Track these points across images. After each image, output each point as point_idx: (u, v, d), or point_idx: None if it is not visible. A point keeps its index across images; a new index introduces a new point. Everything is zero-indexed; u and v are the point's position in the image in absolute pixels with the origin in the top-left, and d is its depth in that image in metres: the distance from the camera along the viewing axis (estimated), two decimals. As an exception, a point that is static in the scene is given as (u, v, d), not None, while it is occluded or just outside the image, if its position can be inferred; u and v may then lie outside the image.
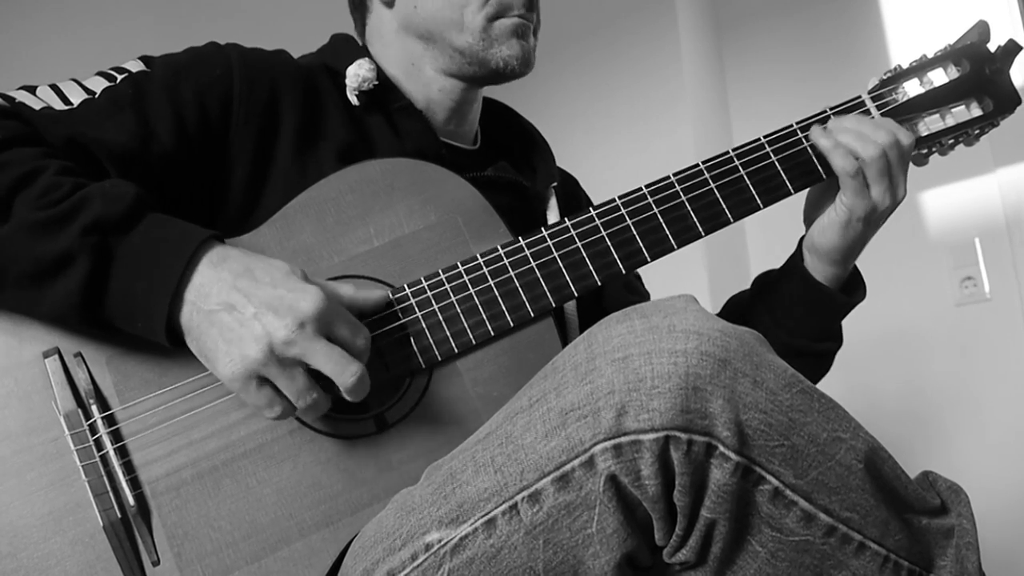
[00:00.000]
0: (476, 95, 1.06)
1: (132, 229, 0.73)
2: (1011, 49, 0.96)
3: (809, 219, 1.01)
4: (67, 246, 0.71)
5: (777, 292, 1.04)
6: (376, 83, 0.97)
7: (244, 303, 0.71)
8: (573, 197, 1.17)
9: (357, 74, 0.96)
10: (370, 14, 1.07)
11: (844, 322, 1.05)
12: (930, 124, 0.97)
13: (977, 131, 0.98)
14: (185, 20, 2.45)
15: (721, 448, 0.62)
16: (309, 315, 0.70)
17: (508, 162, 1.08)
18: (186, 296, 0.72)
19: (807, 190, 0.99)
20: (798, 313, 1.01)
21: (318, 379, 0.73)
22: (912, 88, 0.97)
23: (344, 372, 0.71)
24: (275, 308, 0.70)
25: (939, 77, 0.97)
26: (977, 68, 0.96)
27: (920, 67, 0.97)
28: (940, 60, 0.97)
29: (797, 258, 1.02)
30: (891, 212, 0.96)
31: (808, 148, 0.94)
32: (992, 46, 0.97)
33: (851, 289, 1.03)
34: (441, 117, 1.04)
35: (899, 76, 0.98)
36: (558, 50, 2.51)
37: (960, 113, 0.97)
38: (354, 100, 0.97)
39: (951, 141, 0.98)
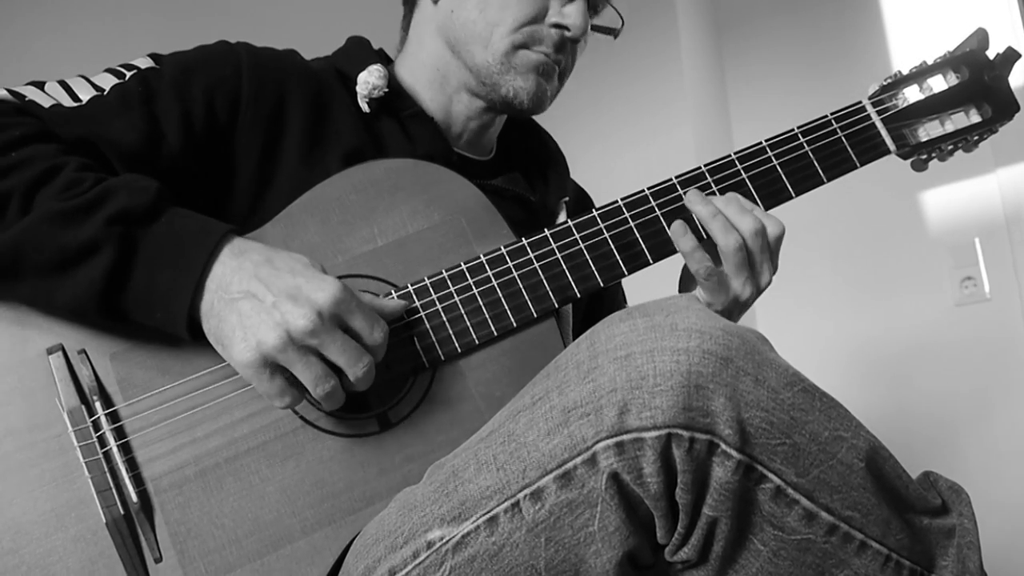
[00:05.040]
0: (495, 120, 1.05)
1: (155, 221, 0.75)
2: (1010, 56, 0.97)
3: (683, 290, 0.99)
4: (92, 235, 0.72)
5: None
6: (386, 91, 0.97)
7: (264, 291, 0.72)
8: (585, 213, 1.17)
9: (367, 81, 0.96)
10: (417, 8, 1.06)
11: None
12: (930, 130, 0.98)
13: (976, 137, 0.99)
14: (188, 18, 2.45)
15: (723, 446, 0.63)
16: (327, 305, 0.71)
17: (522, 173, 1.08)
18: (208, 285, 0.73)
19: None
20: None
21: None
22: (912, 94, 0.98)
23: (356, 364, 0.73)
24: (294, 297, 0.71)
25: (939, 83, 0.98)
26: (976, 75, 0.97)
27: (920, 73, 0.98)
28: (940, 67, 0.98)
29: None
30: (756, 298, 0.93)
31: (809, 152, 0.94)
32: (991, 53, 0.98)
33: None
34: (456, 131, 1.04)
35: (899, 82, 0.98)
36: (559, 50, 2.51)
37: (959, 119, 0.98)
38: (364, 107, 0.97)
39: (950, 147, 0.99)
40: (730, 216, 0.88)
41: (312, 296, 0.71)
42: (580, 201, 1.18)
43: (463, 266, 0.86)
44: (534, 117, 1.17)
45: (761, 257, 0.89)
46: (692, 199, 0.90)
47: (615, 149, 2.40)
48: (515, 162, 1.12)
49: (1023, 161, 1.98)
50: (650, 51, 2.41)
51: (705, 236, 0.89)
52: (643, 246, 0.89)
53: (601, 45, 2.47)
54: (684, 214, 0.90)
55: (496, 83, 0.98)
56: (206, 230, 0.75)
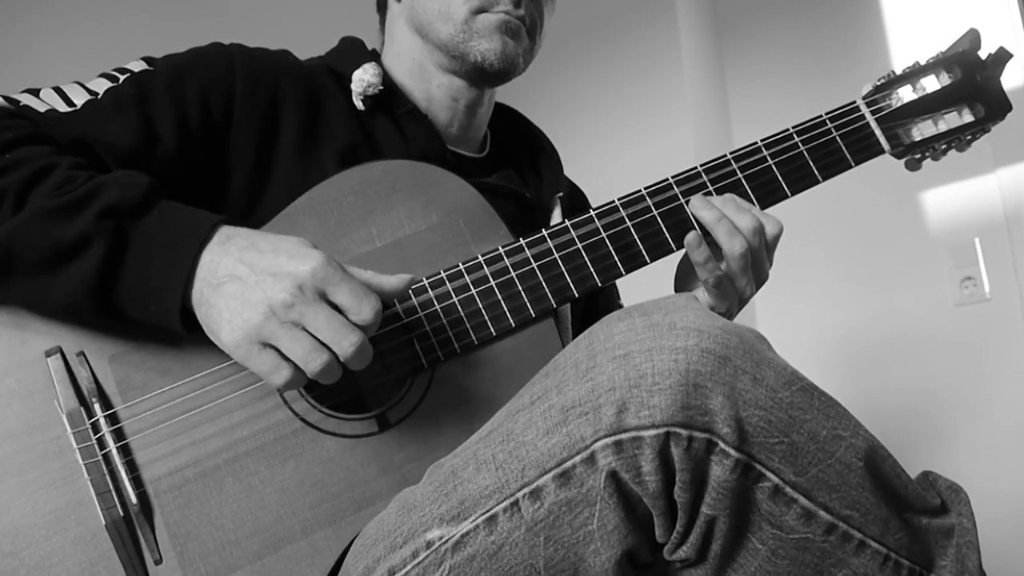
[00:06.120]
0: (478, 98, 1.05)
1: (146, 214, 0.75)
2: (1001, 56, 0.98)
3: (679, 289, 1.00)
4: (84, 229, 0.72)
5: None
6: (381, 88, 0.97)
7: (247, 273, 0.71)
8: (579, 209, 1.17)
9: (362, 79, 0.96)
10: (387, 10, 1.09)
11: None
12: (923, 129, 0.98)
13: (969, 137, 0.99)
14: (186, 20, 2.45)
15: (721, 445, 0.63)
16: (307, 278, 0.70)
17: (515, 170, 1.08)
18: (198, 274, 0.73)
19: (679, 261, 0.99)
20: None
21: None
22: (906, 94, 0.98)
23: (343, 341, 0.69)
24: (274, 273, 0.70)
25: (931, 83, 0.98)
26: (968, 75, 0.98)
27: (913, 73, 0.99)
28: (932, 67, 0.99)
29: None
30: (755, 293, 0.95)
31: (804, 152, 0.94)
32: (983, 53, 0.99)
33: None
34: (443, 118, 1.04)
35: (893, 82, 0.99)
36: (558, 49, 2.51)
37: (952, 119, 0.98)
38: (359, 105, 0.97)
39: (944, 146, 1.00)
40: (729, 216, 0.88)
41: (292, 270, 0.70)
42: (573, 196, 1.18)
43: (461, 267, 0.86)
44: (529, 118, 1.17)
45: (760, 255, 0.91)
46: (696, 205, 0.90)
47: (615, 149, 2.41)
48: (509, 159, 1.12)
49: (1023, 161, 1.98)
50: (650, 51, 2.41)
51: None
52: (640, 246, 0.89)
53: (602, 45, 2.48)
54: (680, 214, 0.91)
55: (464, 52, 0.99)
56: (197, 220, 0.75)
